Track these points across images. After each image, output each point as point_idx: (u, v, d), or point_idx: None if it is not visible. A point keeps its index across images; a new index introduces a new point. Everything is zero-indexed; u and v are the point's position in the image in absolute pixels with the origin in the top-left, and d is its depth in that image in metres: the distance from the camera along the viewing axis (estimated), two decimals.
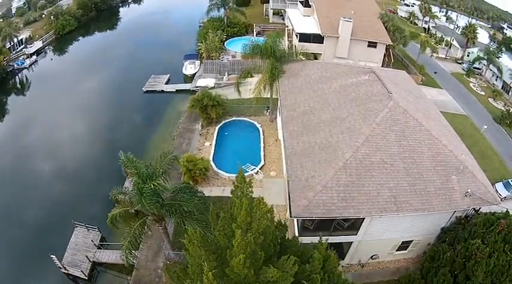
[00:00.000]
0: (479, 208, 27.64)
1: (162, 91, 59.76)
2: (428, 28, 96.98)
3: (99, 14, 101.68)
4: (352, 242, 28.54)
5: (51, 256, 30.62)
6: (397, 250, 30.36)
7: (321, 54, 58.21)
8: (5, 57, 68.11)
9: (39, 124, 53.65)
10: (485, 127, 53.86)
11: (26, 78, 69.58)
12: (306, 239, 26.35)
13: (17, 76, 69.84)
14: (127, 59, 74.89)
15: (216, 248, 16.24)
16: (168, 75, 63.71)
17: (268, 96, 43.89)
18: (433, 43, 74.19)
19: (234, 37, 71.74)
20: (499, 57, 79.63)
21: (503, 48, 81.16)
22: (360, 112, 29.83)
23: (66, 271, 31.12)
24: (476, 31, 76.98)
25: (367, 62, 54.41)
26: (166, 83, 61.85)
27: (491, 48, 79.18)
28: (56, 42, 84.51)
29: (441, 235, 28.54)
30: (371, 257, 30.79)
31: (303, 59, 48.35)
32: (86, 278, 30.91)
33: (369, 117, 28.94)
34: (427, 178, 26.23)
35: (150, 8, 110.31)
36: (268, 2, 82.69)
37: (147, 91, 60.01)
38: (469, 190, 26.20)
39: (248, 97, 46.21)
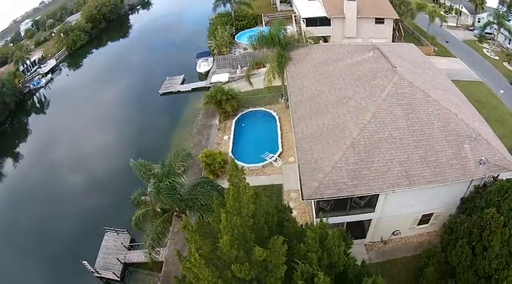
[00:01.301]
0: (497, 175, 27.01)
1: (178, 91, 61.10)
2: None
3: (109, 24, 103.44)
4: (371, 219, 28.75)
5: (83, 261, 32.08)
6: (418, 225, 30.13)
7: (330, 36, 58.26)
8: (20, 80, 71.11)
9: (62, 138, 56.09)
10: (502, 92, 52.60)
11: (44, 97, 72.35)
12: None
13: (34, 96, 72.80)
14: (141, 64, 76.44)
15: (212, 234, 17.18)
16: (183, 75, 64.98)
17: (280, 84, 44.32)
18: (441, 12, 72.50)
19: (243, 30, 72.21)
20: (509, 19, 77.88)
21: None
22: (366, 90, 29.95)
23: (99, 275, 32.61)
24: None
25: (377, 38, 53.94)
26: (182, 83, 63.18)
27: (500, 12, 77.24)
28: (69, 58, 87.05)
29: (461, 205, 28.04)
30: (393, 233, 30.98)
31: (313, 43, 48.36)
32: (119, 279, 32.35)
33: (375, 93, 29.02)
34: (439, 149, 26.08)
35: (159, 11, 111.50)
36: None
37: (164, 93, 61.51)
38: (483, 158, 25.71)
39: (262, 87, 46.51)
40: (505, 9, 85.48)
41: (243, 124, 45.82)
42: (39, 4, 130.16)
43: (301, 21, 60.86)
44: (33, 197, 44.21)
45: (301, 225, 20.68)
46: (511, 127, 46.71)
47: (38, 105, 71.10)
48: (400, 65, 32.36)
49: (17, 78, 70.39)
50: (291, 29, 60.24)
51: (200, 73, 64.21)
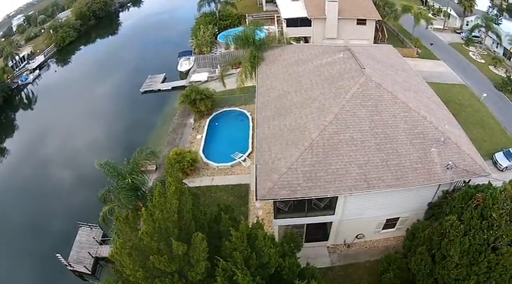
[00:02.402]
0: (469, 181, 26.57)
1: (159, 90, 61.28)
2: (426, 0, 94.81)
3: (98, 21, 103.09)
4: (332, 222, 28.38)
5: (57, 255, 32.97)
6: (383, 229, 29.84)
7: (310, 37, 57.68)
8: (8, 76, 70.89)
9: (42, 134, 55.93)
10: (485, 95, 52.28)
11: (32, 93, 72.29)
12: (281, 222, 27.38)
13: (22, 92, 72.57)
14: (127, 62, 76.29)
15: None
16: (164, 74, 65.13)
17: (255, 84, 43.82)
18: (428, 14, 72.10)
19: (227, 29, 71.87)
20: (499, 23, 77.59)
21: (506, 14, 78.71)
22: (331, 91, 29.47)
23: (71, 268, 33.45)
24: None
25: (358, 40, 54.00)
26: (163, 82, 63.32)
27: (490, 15, 77.07)
28: (58, 54, 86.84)
29: (428, 211, 27.62)
30: (356, 236, 30.60)
31: (294, 43, 47.91)
32: (90, 272, 33.17)
33: (340, 95, 28.53)
34: (402, 152, 25.62)
35: (150, 9, 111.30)
36: None
37: (145, 91, 61.72)
38: (450, 162, 25.13)
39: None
40: (495, 12, 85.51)
41: (216, 124, 45.71)
42: None
43: (282, 22, 60.34)
44: (13, 191, 44.67)
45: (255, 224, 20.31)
46: (492, 131, 46.52)
47: (25, 101, 71.13)
48: (370, 66, 31.98)
49: (5, 73, 70.49)
50: (273, 29, 59.94)
51: (181, 72, 64.44)
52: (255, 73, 40.69)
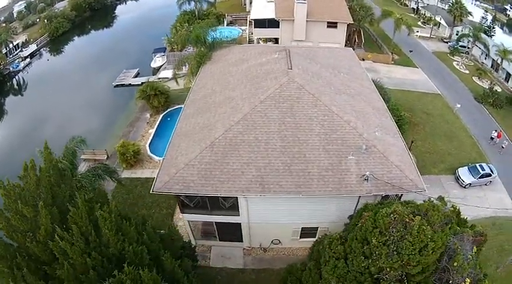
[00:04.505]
0: (401, 195, 24.78)
1: (130, 84, 62.04)
2: (417, 8, 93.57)
3: (94, 13, 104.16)
4: (240, 224, 28.03)
5: None
6: (302, 237, 29.03)
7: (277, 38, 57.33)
8: (1, 62, 72.52)
9: (16, 122, 57.90)
10: (458, 106, 50.90)
11: (23, 80, 73.87)
12: (189, 217, 27.42)
13: (14, 79, 74.34)
14: (111, 55, 76.97)
15: None
16: (137, 69, 66.28)
17: None
18: (418, 22, 71.01)
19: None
20: (492, 35, 76.16)
21: (500, 26, 77.25)
22: (251, 91, 29.05)
23: None
24: (463, 8, 72.93)
25: (328, 43, 53.12)
26: (135, 77, 64.39)
27: (482, 26, 75.72)
28: (50, 44, 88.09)
29: (348, 224, 25.06)
30: (272, 242, 30.12)
31: (264, 44, 47.63)
32: None
33: (257, 95, 28.15)
34: (310, 158, 24.53)
35: (147, 3, 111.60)
36: None
37: (117, 85, 62.92)
38: (367, 173, 23.40)
39: None
40: (488, 22, 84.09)
41: (168, 119, 45.68)
42: None
43: (251, 23, 60.18)
44: None
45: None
46: (461, 144, 45.15)
47: (16, 87, 73.03)
48: (302, 67, 31.47)
49: None
50: (245, 29, 59.84)
51: (154, 68, 65.25)
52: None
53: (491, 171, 38.59)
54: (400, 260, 17.25)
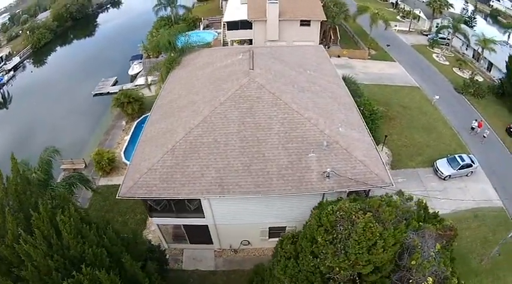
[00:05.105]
0: (369, 191, 24.67)
1: (108, 93, 61.73)
2: (397, 3, 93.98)
3: (75, 23, 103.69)
4: (207, 225, 28.17)
5: None
6: (271, 237, 28.89)
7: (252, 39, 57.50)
8: None
9: None
10: (437, 97, 50.89)
11: (8, 93, 72.95)
12: (158, 220, 27.75)
13: None
14: (93, 64, 76.52)
15: None
16: (115, 77, 66.22)
17: None
18: (387, 16, 70.85)
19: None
20: (473, 25, 76.39)
21: (484, 17, 77.63)
22: (212, 94, 29.21)
23: None
24: (442, 0, 73.10)
25: (303, 41, 53.25)
26: (113, 85, 64.20)
27: (463, 17, 76.11)
28: (33, 55, 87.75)
29: None
30: (241, 243, 30.28)
31: (237, 45, 47.79)
32: None
33: (217, 97, 28.29)
34: (270, 157, 24.51)
35: (129, 11, 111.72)
36: None
37: (96, 94, 62.77)
38: (328, 170, 23.27)
39: None
40: (469, 14, 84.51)
41: (142, 125, 45.03)
42: None
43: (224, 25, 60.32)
44: None
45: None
46: (440, 136, 45.04)
47: (1, 100, 72.04)
48: (267, 67, 31.65)
49: None
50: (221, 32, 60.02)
51: (132, 75, 65.26)
52: None
53: (472, 162, 38.13)
54: (348, 260, 16.85)
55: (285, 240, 20.64)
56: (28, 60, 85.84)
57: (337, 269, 17.20)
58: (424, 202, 23.95)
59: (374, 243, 16.59)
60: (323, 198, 24.30)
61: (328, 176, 23.47)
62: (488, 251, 30.26)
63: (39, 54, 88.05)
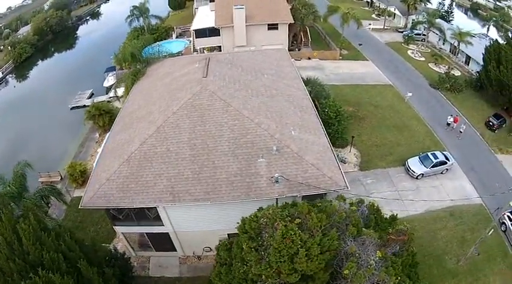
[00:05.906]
0: (325, 194, 24.69)
1: (84, 106, 61.43)
2: (372, 1, 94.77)
3: (56, 36, 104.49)
4: (168, 233, 28.83)
5: None
6: None
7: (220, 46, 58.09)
8: None
9: None
10: (410, 94, 50.95)
11: None
12: (121, 229, 28.47)
13: None
14: (71, 77, 77.17)
15: None
16: (91, 89, 66.75)
17: None
18: (359, 15, 70.47)
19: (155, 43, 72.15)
20: (450, 20, 76.77)
21: (464, 11, 78.04)
22: (167, 104, 29.93)
23: None
24: None
25: (272, 45, 53.31)
26: (89, 97, 64.45)
27: (439, 11, 76.70)
28: (15, 70, 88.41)
29: None
30: (203, 249, 30.84)
31: (207, 53, 48.18)
32: None
33: (171, 106, 29.02)
34: (219, 164, 25.14)
35: (108, 22, 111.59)
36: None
37: (73, 107, 63.13)
38: (276, 175, 23.52)
39: None
40: (445, 9, 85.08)
41: None
42: (6, 10, 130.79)
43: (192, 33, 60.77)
44: None
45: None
46: (412, 134, 44.62)
47: None
48: (221, 73, 32.28)
49: None
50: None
51: (106, 87, 65.28)
52: None
53: (447, 159, 37.30)
54: (270, 268, 16.51)
55: (221, 247, 20.96)
56: (10, 75, 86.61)
57: (264, 277, 16.97)
58: (376, 205, 24.07)
59: (296, 251, 16.19)
60: (276, 204, 24.02)
61: (277, 181, 23.75)
62: (466, 250, 29.55)
63: (20, 69, 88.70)
